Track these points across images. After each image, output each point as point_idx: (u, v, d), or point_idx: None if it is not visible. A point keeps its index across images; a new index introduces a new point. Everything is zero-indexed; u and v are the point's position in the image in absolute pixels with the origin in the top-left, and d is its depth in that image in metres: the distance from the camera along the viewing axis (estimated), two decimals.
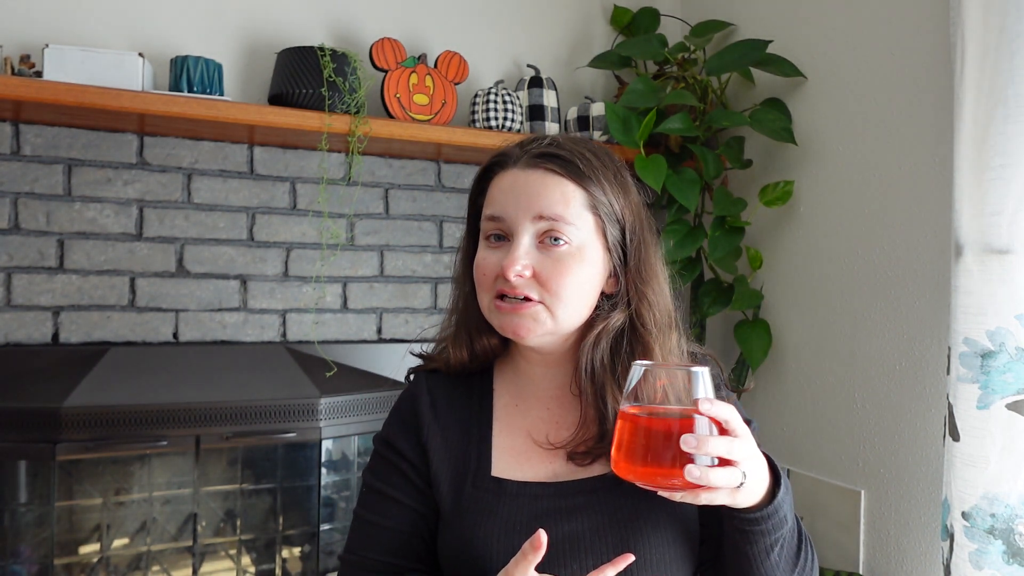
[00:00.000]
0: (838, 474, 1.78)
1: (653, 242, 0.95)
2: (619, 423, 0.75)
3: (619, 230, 0.91)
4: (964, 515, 1.30)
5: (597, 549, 0.86)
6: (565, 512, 0.88)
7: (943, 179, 1.55)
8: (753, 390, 2.02)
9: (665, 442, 0.71)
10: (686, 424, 0.72)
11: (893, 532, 1.65)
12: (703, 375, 0.73)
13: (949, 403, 1.35)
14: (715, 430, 0.73)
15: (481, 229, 0.93)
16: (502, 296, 0.88)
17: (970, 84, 1.32)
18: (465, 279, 0.97)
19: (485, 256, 0.91)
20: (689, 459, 0.70)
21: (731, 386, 1.01)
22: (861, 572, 1.70)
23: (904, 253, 1.64)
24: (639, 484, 0.73)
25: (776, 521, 0.80)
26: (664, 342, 0.91)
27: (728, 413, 0.72)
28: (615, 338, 0.91)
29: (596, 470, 0.91)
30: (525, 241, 0.88)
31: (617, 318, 0.91)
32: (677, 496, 0.74)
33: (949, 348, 1.36)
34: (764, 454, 0.81)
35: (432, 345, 1.04)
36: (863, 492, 1.71)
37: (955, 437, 1.32)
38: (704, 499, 0.74)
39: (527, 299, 0.87)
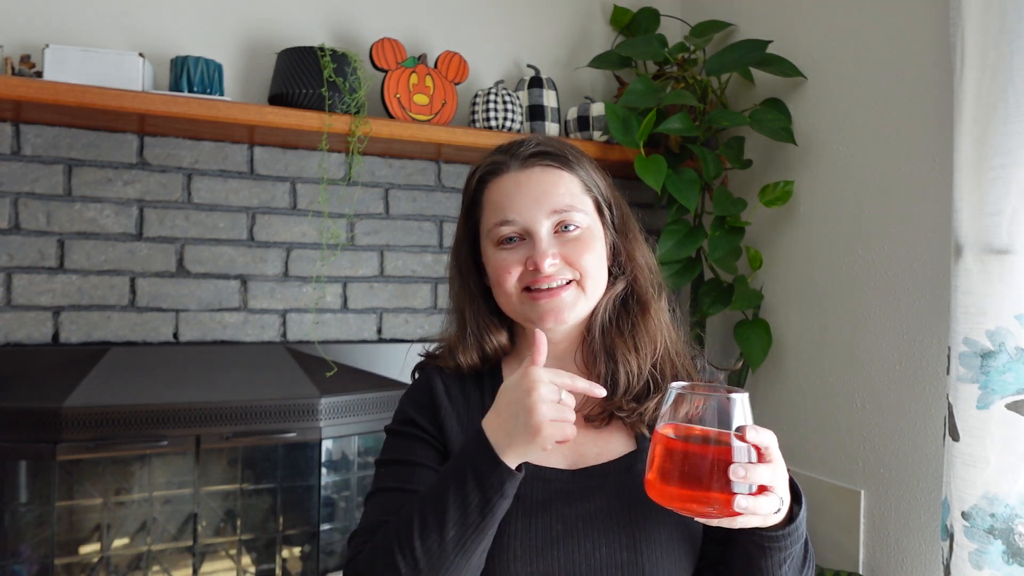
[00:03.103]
0: (838, 474, 1.78)
1: (630, 211, 1.05)
2: (655, 446, 0.74)
3: (607, 204, 1.02)
4: (964, 515, 1.30)
5: (608, 527, 0.89)
6: (578, 493, 0.92)
7: (943, 179, 1.55)
8: (753, 390, 2.02)
9: (702, 468, 0.71)
10: (723, 451, 0.71)
11: (893, 532, 1.65)
12: (742, 400, 0.73)
13: (949, 403, 1.35)
14: (755, 456, 0.72)
15: (488, 236, 0.98)
16: (530, 288, 0.95)
17: (970, 84, 1.32)
18: (464, 283, 1.03)
19: (504, 257, 0.97)
20: (727, 486, 0.70)
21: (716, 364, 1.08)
22: (861, 572, 1.70)
23: (904, 253, 1.64)
24: (673, 509, 0.72)
25: (795, 537, 0.82)
26: (659, 301, 1.02)
27: (769, 440, 0.73)
28: (621, 302, 1.01)
29: (605, 456, 0.95)
30: (545, 235, 0.95)
31: (619, 285, 1.01)
32: (713, 522, 0.74)
33: (949, 348, 1.36)
34: None
35: (434, 344, 1.08)
36: (863, 492, 1.71)
37: (955, 437, 1.32)
38: (740, 523, 0.74)
39: (562, 285, 0.95)
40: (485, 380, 1.03)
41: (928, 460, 1.58)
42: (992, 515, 1.26)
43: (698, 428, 0.73)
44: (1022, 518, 1.24)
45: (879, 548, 1.68)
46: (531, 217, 0.95)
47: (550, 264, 0.93)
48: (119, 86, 1.59)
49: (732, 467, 0.69)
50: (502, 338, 1.02)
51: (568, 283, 0.95)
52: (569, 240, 0.96)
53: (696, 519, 0.75)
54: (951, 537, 1.33)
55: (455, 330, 1.04)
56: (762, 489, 0.72)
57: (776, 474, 0.73)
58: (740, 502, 0.69)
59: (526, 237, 0.96)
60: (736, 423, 0.72)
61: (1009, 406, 1.25)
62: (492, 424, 0.83)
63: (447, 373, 1.03)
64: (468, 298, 1.02)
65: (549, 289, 0.94)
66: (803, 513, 0.82)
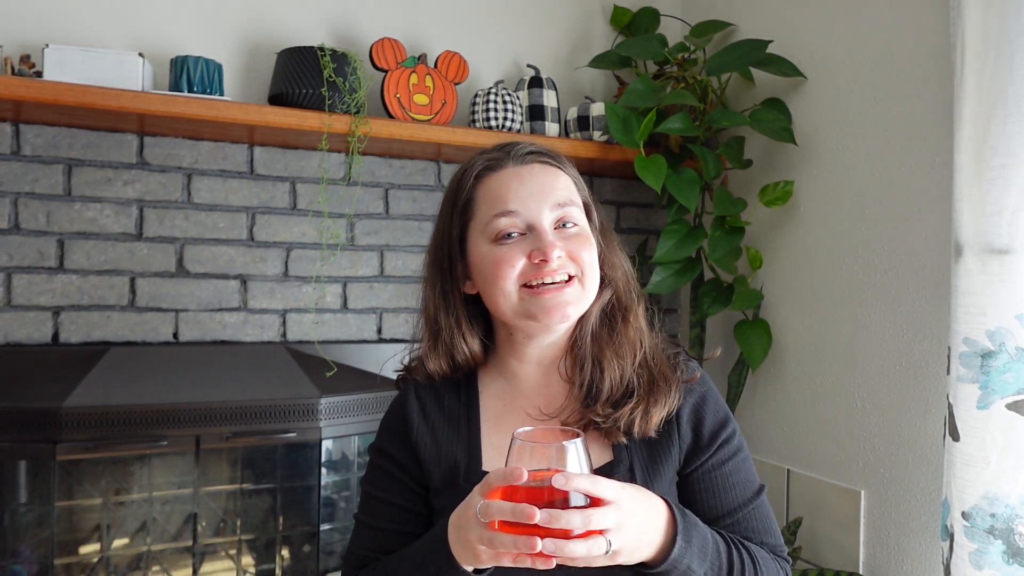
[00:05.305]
0: (838, 474, 1.78)
1: (604, 214, 1.06)
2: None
3: (592, 208, 1.02)
4: (964, 515, 1.30)
5: None
6: None
7: (943, 179, 1.55)
8: (753, 390, 2.02)
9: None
10: (556, 495, 0.72)
11: (893, 532, 1.65)
12: (575, 446, 0.75)
13: (949, 403, 1.35)
14: (585, 500, 0.73)
15: (485, 232, 0.95)
16: (530, 285, 0.93)
17: (970, 84, 1.32)
18: (444, 286, 1.00)
19: (505, 252, 0.93)
20: (536, 529, 0.71)
21: (692, 355, 1.08)
22: (861, 572, 1.70)
23: (904, 253, 1.64)
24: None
25: (676, 574, 0.82)
26: (638, 307, 1.01)
27: (588, 485, 0.73)
28: (606, 311, 1.01)
29: None
30: (549, 228, 0.94)
31: (607, 293, 1.01)
32: (553, 563, 0.73)
33: (949, 348, 1.36)
34: (668, 505, 0.83)
35: (415, 349, 1.07)
36: (863, 492, 1.71)
37: (955, 437, 1.32)
38: (582, 564, 0.74)
39: (566, 280, 0.93)
40: (462, 386, 1.02)
41: (928, 460, 1.58)
42: (992, 515, 1.26)
43: (533, 473, 0.73)
44: (1022, 518, 1.24)
45: (879, 548, 1.68)
46: (535, 209, 0.94)
47: (558, 255, 0.92)
48: (119, 86, 1.59)
49: (539, 512, 0.70)
50: (474, 346, 1.00)
51: (570, 279, 0.94)
52: (570, 236, 0.95)
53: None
54: (951, 537, 1.33)
55: (427, 337, 1.02)
56: (589, 532, 0.72)
57: (595, 519, 0.72)
58: (547, 545, 0.70)
59: (527, 233, 0.94)
60: (571, 468, 0.73)
61: (1009, 406, 1.25)
62: (451, 534, 0.82)
63: (422, 385, 1.03)
64: (445, 303, 1.00)
65: (554, 284, 0.92)
66: (681, 551, 0.81)
